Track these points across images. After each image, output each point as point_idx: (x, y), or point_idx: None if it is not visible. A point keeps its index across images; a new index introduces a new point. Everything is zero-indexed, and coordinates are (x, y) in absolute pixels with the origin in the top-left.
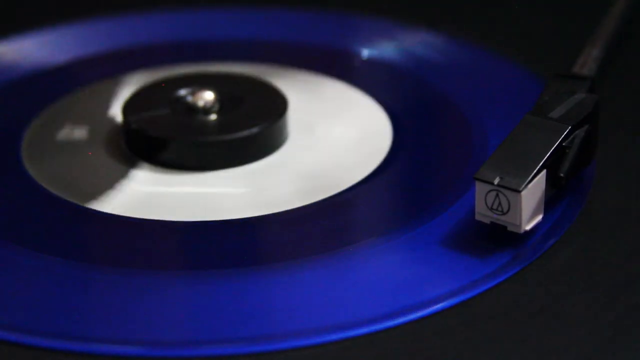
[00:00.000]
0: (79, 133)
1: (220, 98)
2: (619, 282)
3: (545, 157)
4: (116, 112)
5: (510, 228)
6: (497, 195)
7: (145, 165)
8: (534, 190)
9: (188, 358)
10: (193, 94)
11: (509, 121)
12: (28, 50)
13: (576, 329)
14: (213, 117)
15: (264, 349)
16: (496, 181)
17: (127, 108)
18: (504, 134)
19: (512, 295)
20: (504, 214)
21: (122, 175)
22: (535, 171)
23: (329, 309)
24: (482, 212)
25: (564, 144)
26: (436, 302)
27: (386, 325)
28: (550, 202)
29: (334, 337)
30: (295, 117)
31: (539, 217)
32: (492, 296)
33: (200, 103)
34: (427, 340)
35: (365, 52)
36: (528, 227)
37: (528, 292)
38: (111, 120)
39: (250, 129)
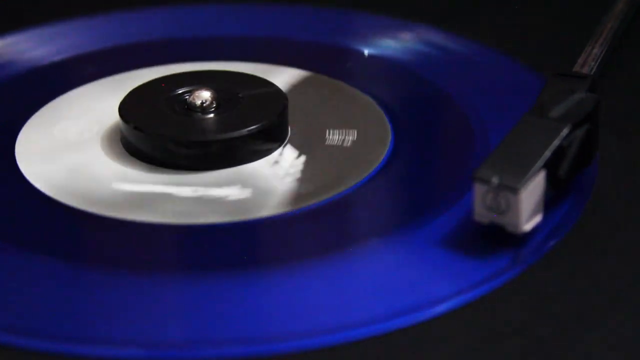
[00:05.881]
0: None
1: (218, 96)
2: (621, 284)
3: (544, 157)
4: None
5: (509, 228)
6: (495, 195)
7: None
8: (533, 191)
9: (188, 359)
10: (190, 92)
11: (510, 120)
12: (23, 48)
13: (578, 330)
14: (211, 115)
15: (264, 350)
16: (495, 181)
17: (124, 107)
18: (504, 133)
19: (512, 297)
20: (502, 214)
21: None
22: (534, 171)
23: (328, 310)
24: (481, 213)
25: (563, 143)
26: (435, 303)
27: (385, 326)
28: (551, 203)
29: (333, 338)
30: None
31: (539, 218)
32: (492, 298)
33: (198, 102)
34: (427, 342)
35: (365, 50)
36: (527, 228)
37: (529, 294)
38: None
39: (249, 127)
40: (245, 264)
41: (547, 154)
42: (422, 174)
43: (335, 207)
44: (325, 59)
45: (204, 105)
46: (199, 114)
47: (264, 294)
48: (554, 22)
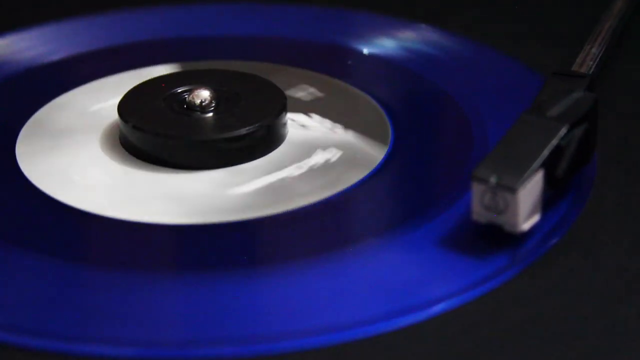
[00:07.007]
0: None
1: (217, 96)
2: (620, 283)
3: (542, 157)
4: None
5: (507, 228)
6: (493, 194)
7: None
8: (531, 190)
9: (188, 358)
10: (190, 91)
11: (509, 120)
12: (23, 48)
13: (576, 331)
14: (210, 114)
15: (263, 350)
16: (493, 180)
17: (123, 106)
18: (503, 133)
19: (510, 297)
20: (500, 213)
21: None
22: (532, 170)
23: (326, 310)
24: (479, 212)
25: (561, 143)
26: (433, 303)
27: (384, 326)
28: (549, 203)
29: (332, 337)
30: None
31: (537, 218)
32: (490, 297)
33: (197, 101)
34: (425, 342)
35: (365, 49)
36: (525, 228)
37: (527, 294)
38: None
39: (248, 127)
40: (245, 264)
41: (545, 153)
42: (421, 173)
43: (334, 207)
44: (325, 59)
45: (203, 104)
46: (198, 113)
47: (264, 294)
48: (554, 21)
